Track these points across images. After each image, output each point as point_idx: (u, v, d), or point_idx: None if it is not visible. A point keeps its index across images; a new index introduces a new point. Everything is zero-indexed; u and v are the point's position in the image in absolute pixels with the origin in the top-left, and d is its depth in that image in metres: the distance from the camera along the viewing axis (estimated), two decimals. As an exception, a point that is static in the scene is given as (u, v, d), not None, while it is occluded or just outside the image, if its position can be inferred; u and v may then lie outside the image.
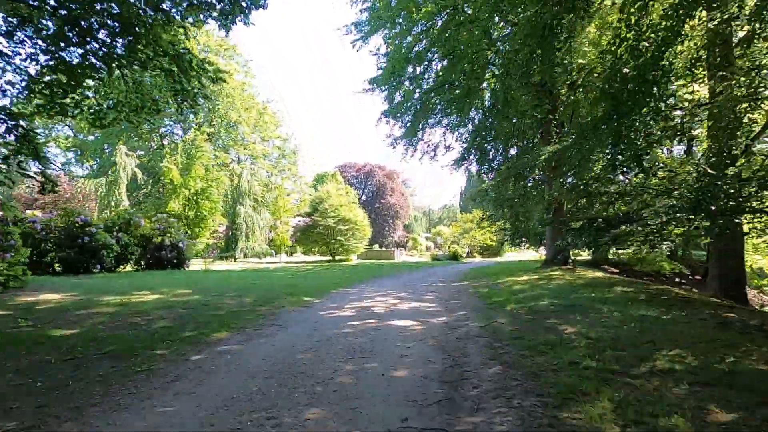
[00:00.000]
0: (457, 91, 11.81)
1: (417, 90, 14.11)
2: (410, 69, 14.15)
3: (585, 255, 19.24)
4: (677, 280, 16.23)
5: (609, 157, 5.08)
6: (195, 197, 23.64)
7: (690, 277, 17.19)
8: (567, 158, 8.55)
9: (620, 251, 17.98)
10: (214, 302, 7.02)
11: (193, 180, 23.25)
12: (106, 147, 44.52)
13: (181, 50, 8.54)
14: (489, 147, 16.16)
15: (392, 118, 14.75)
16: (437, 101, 13.82)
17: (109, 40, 7.77)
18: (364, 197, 51.69)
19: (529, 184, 12.13)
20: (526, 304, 6.81)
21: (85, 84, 8.42)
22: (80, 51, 7.67)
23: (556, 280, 10.05)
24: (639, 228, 6.04)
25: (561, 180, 10.31)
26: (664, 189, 6.91)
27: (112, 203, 25.52)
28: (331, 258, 31.00)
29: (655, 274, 17.02)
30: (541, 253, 36.57)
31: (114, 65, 8.21)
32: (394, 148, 16.42)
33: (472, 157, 16.34)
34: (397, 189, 53.25)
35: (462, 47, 12.60)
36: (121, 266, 13.53)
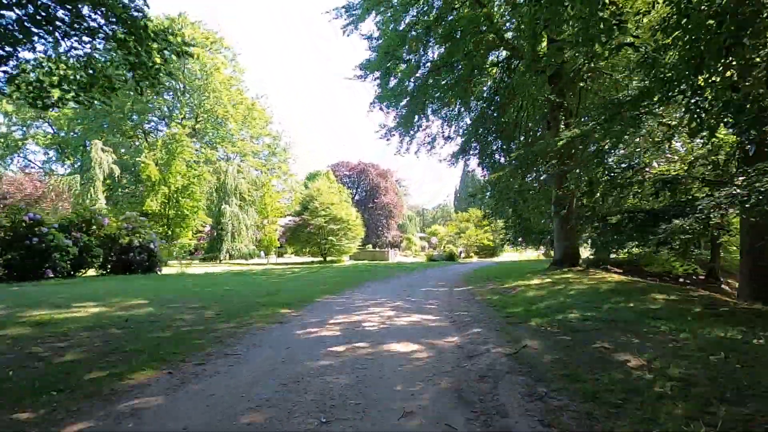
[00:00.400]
0: (460, 68, 10.48)
1: (412, 76, 12.77)
2: (405, 55, 12.85)
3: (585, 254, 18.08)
4: (681, 280, 15.18)
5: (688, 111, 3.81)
6: (175, 195, 22.06)
7: (693, 276, 16.17)
8: (592, 141, 7.28)
9: (624, 250, 16.85)
10: (166, 317, 5.63)
11: (174, 177, 21.67)
12: (88, 144, 42.63)
13: (135, 13, 7.08)
14: (490, 138, 14.96)
15: (386, 106, 13.39)
16: (435, 88, 12.51)
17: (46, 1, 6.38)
18: (357, 197, 50.29)
19: (541, 177, 10.84)
20: (552, 317, 5.52)
21: (21, 56, 7.02)
22: (13, 15, 6.26)
23: (574, 284, 8.79)
24: (696, 222, 4.75)
25: (578, 171, 9.04)
26: (719, 177, 5.64)
27: (87, 202, 23.85)
28: (322, 259, 29.58)
29: (666, 275, 15.88)
30: (539, 254, 35.60)
31: (57, 33, 6.84)
32: (387, 140, 15.09)
33: (471, 151, 15.13)
34: (391, 188, 51.91)
35: (461, 30, 11.33)
36: (81, 271, 12.00)
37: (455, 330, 5.12)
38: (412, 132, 14.62)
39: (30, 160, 45.30)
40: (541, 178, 9.47)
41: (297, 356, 3.82)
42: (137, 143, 42.73)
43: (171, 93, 41.80)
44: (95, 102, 8.30)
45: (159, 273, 13.70)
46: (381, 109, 13.35)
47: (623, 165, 7.60)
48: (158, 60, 7.86)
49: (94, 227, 12.08)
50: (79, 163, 42.67)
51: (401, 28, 12.38)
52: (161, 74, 8.10)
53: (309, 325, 5.33)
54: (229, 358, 3.75)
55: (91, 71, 7.69)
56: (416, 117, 13.55)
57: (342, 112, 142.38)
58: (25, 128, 44.46)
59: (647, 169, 6.83)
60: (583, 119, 11.07)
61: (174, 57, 8.87)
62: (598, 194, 10.74)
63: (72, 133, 44.44)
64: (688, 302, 5.93)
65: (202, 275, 13.91)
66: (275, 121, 48.40)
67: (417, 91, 12.55)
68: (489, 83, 14.65)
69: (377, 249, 41.39)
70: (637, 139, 7.28)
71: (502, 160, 15.32)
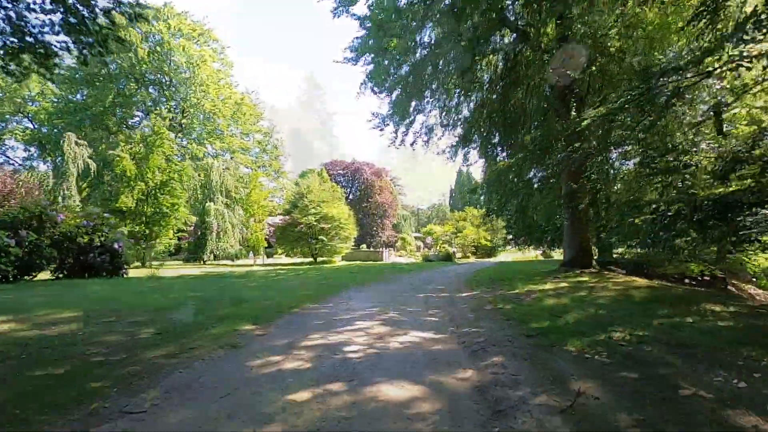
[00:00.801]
0: (463, 43, 9.19)
1: (410, 54, 11.44)
2: (402, 32, 11.53)
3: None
4: (686, 281, 14.14)
5: None
6: (154, 191, 20.53)
7: (699, 278, 15.13)
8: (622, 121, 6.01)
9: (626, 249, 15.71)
10: (84, 339, 4.25)
11: (151, 172, 20.14)
12: (69, 140, 40.66)
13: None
14: (493, 129, 13.72)
15: (378, 90, 12.04)
16: (433, 67, 11.19)
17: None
18: (351, 196, 48.96)
19: (557, 164, 9.55)
20: (592, 336, 4.22)
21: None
22: None
23: (598, 290, 7.53)
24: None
25: (601, 158, 7.79)
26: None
27: (59, 199, 22.25)
28: (312, 260, 28.16)
29: (671, 276, 14.74)
30: (537, 254, 34.43)
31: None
32: (381, 130, 13.77)
33: (473, 143, 13.89)
34: (385, 187, 50.60)
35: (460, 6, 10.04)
36: (32, 274, 10.53)
37: (468, 357, 3.80)
38: (407, 121, 13.33)
39: (9, 157, 43.32)
40: (558, 163, 8.19)
41: (234, 416, 2.47)
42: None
43: (156, 87, 40.10)
44: (28, 73, 6.99)
45: (125, 276, 12.25)
46: (373, 90, 12.00)
47: (657, 147, 6.33)
48: (103, 21, 6.57)
49: (47, 225, 10.61)
50: (59, 159, 40.76)
51: (399, 4, 11.10)
52: (110, 40, 6.77)
53: (271, 350, 3.97)
54: (124, 421, 2.39)
55: (21, 35, 6.37)
56: (413, 102, 12.23)
57: (339, 110, 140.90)
58: (4, 123, 42.50)
59: (695, 150, 5.58)
60: (594, 103, 9.89)
61: (125, 20, 7.58)
62: (617, 186, 9.49)
63: (54, 129, 42.54)
64: (759, 315, 4.68)
65: (174, 279, 12.47)
66: (267, 118, 46.55)
67: (413, 73, 11.23)
68: (491, 70, 13.46)
69: (371, 249, 40.01)
70: (681, 116, 6.05)
71: (504, 154, 14.16)
